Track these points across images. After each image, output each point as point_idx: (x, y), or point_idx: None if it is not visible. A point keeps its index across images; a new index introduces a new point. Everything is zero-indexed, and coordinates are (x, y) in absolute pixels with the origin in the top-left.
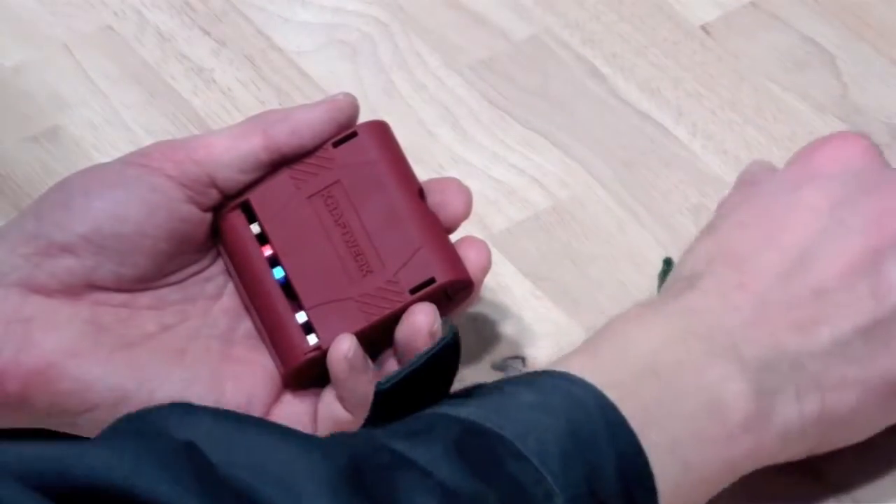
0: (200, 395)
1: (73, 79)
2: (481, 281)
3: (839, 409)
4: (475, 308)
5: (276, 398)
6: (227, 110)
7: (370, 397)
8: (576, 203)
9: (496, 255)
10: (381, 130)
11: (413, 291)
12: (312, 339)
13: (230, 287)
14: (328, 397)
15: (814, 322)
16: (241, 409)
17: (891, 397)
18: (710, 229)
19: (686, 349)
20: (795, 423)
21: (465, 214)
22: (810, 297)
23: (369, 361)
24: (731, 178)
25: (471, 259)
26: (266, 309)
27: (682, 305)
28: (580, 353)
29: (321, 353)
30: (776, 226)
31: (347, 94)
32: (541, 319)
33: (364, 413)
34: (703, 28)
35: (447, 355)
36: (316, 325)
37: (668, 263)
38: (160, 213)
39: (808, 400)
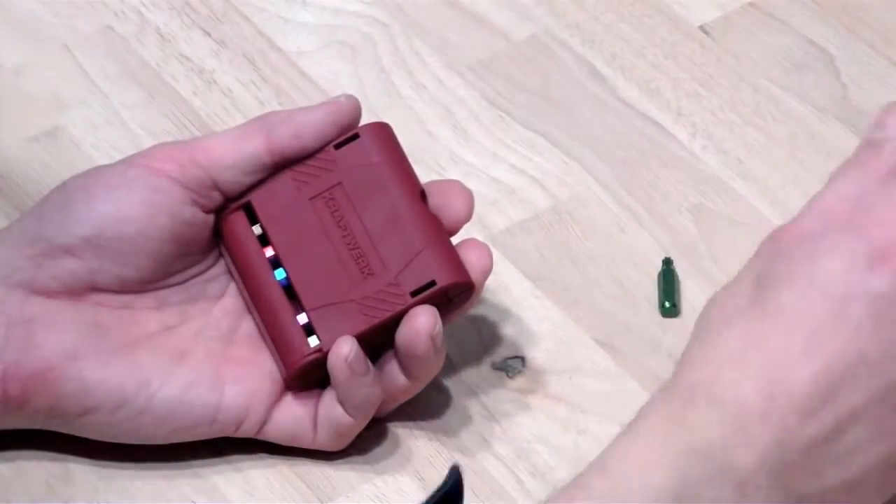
0: (201, 396)
1: (74, 79)
2: (482, 283)
3: None
4: (475, 308)
5: (277, 400)
6: (227, 111)
7: (371, 399)
8: (576, 203)
9: (496, 255)
10: (382, 132)
11: (414, 294)
12: (314, 341)
13: (232, 288)
14: (328, 400)
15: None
16: (241, 411)
17: None
18: (738, 313)
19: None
20: None
21: (467, 217)
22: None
23: (370, 364)
24: (730, 178)
25: (472, 261)
26: (267, 310)
27: (697, 436)
28: (590, 486)
29: (322, 355)
30: (816, 335)
31: (350, 96)
32: (541, 319)
33: (365, 416)
34: (703, 29)
35: (450, 499)
36: (317, 327)
37: (667, 263)
38: (163, 216)
39: None
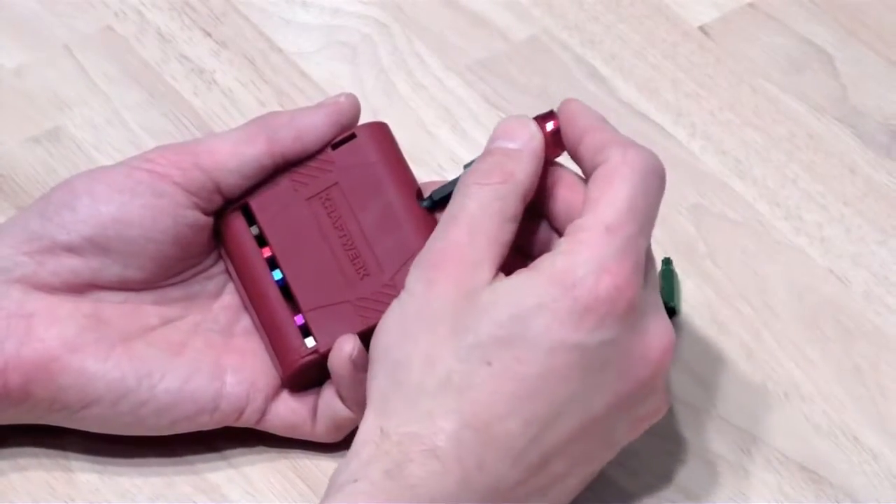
0: (202, 386)
1: (74, 79)
2: None
3: None
4: None
5: (276, 392)
6: (227, 111)
7: None
8: None
9: None
10: (380, 132)
11: None
12: (310, 342)
13: (231, 285)
14: (328, 394)
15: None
16: (243, 399)
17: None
18: (443, 361)
19: None
20: None
21: None
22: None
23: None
24: (729, 178)
25: None
26: (265, 311)
27: (421, 493)
28: None
29: (319, 357)
30: (526, 392)
31: (349, 95)
32: None
33: (364, 410)
34: (702, 29)
35: None
36: (313, 329)
37: (667, 263)
38: (166, 219)
39: None
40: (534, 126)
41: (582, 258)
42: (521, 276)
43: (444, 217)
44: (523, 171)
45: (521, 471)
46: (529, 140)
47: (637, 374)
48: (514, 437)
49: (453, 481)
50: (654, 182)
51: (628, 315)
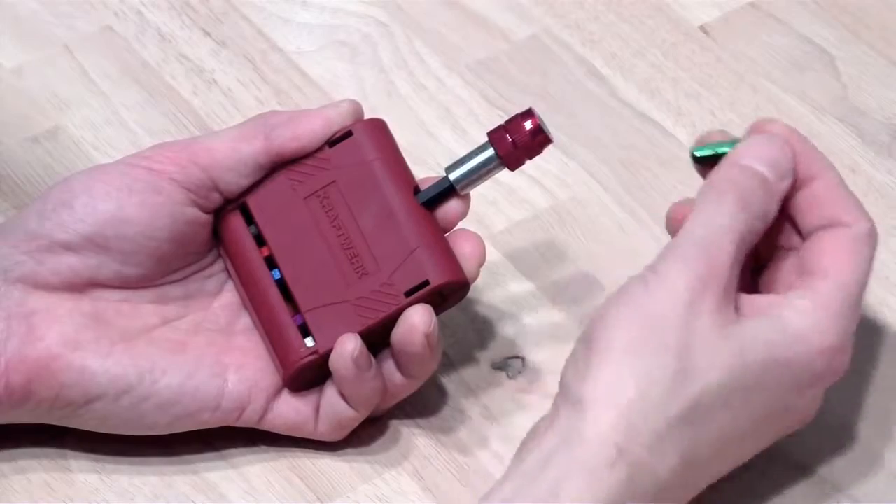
0: (204, 383)
1: (74, 79)
2: (477, 274)
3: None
4: (475, 308)
5: (278, 389)
6: (227, 111)
7: (374, 393)
8: (576, 203)
9: (496, 256)
10: (376, 129)
11: (408, 294)
12: (309, 343)
13: (230, 284)
14: (330, 393)
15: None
16: (244, 398)
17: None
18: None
19: None
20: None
21: (463, 213)
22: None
23: (372, 359)
24: None
25: (466, 253)
26: (264, 311)
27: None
28: None
29: (318, 357)
30: (737, 437)
31: (353, 102)
32: (541, 319)
33: (367, 409)
34: (703, 29)
35: None
36: (313, 329)
37: None
38: (164, 217)
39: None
40: (791, 161)
41: (833, 330)
42: (772, 323)
43: (706, 216)
44: (773, 213)
45: (696, 490)
46: (785, 178)
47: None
48: (712, 476)
49: (641, 493)
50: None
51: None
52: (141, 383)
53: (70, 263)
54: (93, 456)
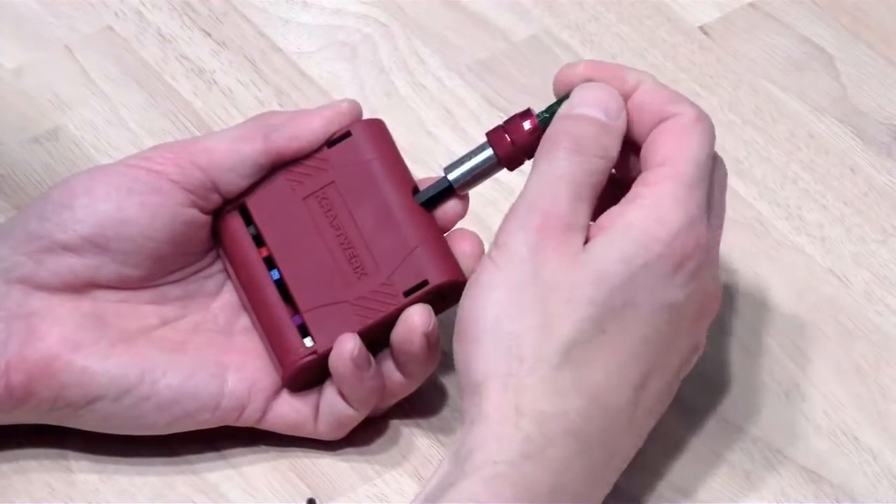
0: (204, 382)
1: (74, 79)
2: None
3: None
4: None
5: (277, 391)
6: (227, 111)
7: (374, 392)
8: None
9: None
10: (375, 129)
11: (407, 294)
12: (309, 342)
13: (229, 284)
14: (330, 392)
15: None
16: (244, 398)
17: None
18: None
19: None
20: None
21: (462, 213)
22: None
23: (372, 358)
24: (730, 178)
25: (465, 252)
26: (263, 311)
27: (565, 472)
28: None
29: (317, 357)
30: (631, 357)
31: (352, 102)
32: None
33: (367, 408)
34: (702, 29)
35: None
36: (312, 329)
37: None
38: (163, 217)
39: None
40: (621, 100)
41: (674, 214)
42: (618, 234)
43: (538, 173)
44: (615, 149)
45: (632, 437)
46: (620, 115)
47: (703, 324)
48: (625, 408)
49: (587, 460)
50: (713, 144)
51: (705, 268)
52: (141, 384)
53: (70, 264)
54: (93, 456)
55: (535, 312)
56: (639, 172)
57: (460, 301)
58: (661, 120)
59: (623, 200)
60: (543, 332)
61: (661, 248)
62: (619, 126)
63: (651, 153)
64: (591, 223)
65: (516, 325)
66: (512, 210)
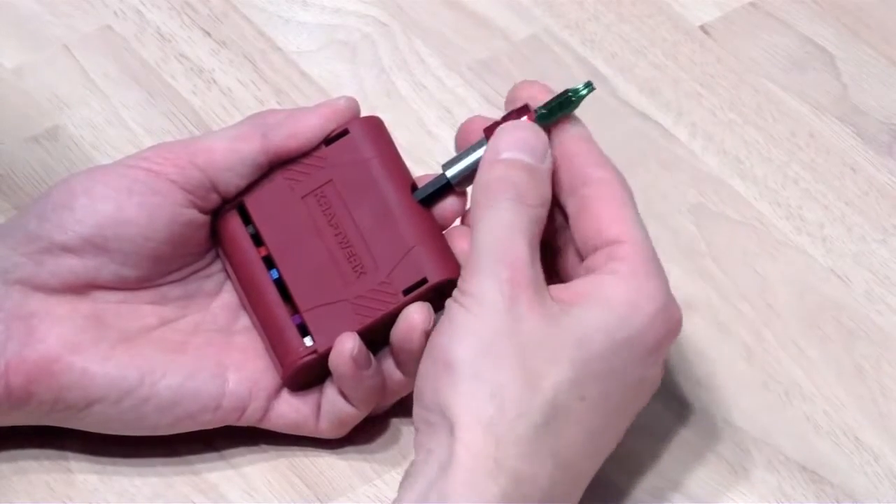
0: (205, 383)
1: (74, 79)
2: None
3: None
4: None
5: (278, 390)
6: (226, 110)
7: (375, 390)
8: None
9: None
10: (373, 126)
11: (406, 292)
12: (308, 342)
13: (228, 284)
14: (331, 391)
15: None
16: (245, 397)
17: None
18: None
19: None
20: None
21: (460, 210)
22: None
23: (372, 357)
24: (730, 178)
25: (463, 249)
26: (263, 311)
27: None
28: None
29: (317, 357)
30: (603, 427)
31: (350, 99)
32: None
33: (368, 406)
34: (703, 28)
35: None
36: (311, 328)
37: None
38: (162, 218)
39: None
40: (546, 139)
41: (653, 287)
42: (599, 305)
43: (486, 222)
44: (549, 193)
45: (579, 490)
46: (546, 158)
47: (655, 388)
48: (590, 474)
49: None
50: None
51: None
52: (141, 385)
53: (69, 265)
54: (93, 456)
55: (516, 366)
56: (560, 226)
57: (437, 336)
58: (585, 183)
59: (594, 270)
60: (526, 388)
61: (645, 325)
62: (547, 169)
63: (596, 224)
64: (563, 286)
65: (498, 374)
66: (474, 258)
